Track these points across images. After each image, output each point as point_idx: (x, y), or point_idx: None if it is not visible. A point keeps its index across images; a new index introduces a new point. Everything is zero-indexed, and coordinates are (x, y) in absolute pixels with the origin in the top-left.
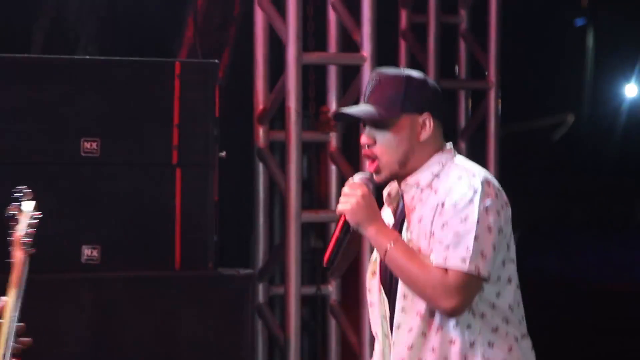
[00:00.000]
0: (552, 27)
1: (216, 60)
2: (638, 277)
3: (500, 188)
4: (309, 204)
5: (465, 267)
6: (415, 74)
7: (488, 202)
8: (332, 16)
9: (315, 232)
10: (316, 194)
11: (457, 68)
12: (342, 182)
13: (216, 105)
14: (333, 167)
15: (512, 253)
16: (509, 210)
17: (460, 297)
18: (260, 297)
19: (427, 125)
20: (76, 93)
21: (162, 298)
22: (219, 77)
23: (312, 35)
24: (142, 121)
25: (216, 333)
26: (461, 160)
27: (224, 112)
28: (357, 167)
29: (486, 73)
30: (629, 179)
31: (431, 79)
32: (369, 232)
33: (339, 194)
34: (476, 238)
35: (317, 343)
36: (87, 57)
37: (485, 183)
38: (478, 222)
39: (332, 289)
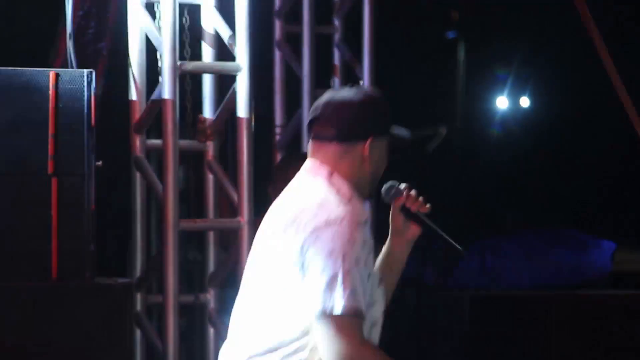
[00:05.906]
0: (425, 39)
1: (92, 70)
2: (509, 282)
3: None
4: (186, 213)
5: None
6: None
7: None
8: (207, 25)
9: (192, 241)
10: (193, 203)
11: (332, 78)
12: (218, 191)
13: (92, 115)
14: (210, 176)
15: None
16: None
17: None
18: (139, 307)
19: None
20: None
21: (40, 309)
22: (95, 86)
23: (188, 44)
24: (17, 131)
25: (95, 343)
26: None
27: (101, 121)
28: (233, 176)
29: (361, 83)
30: (501, 189)
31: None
32: None
33: (216, 203)
34: None
35: (196, 352)
36: None
37: None
38: None
39: (210, 297)
